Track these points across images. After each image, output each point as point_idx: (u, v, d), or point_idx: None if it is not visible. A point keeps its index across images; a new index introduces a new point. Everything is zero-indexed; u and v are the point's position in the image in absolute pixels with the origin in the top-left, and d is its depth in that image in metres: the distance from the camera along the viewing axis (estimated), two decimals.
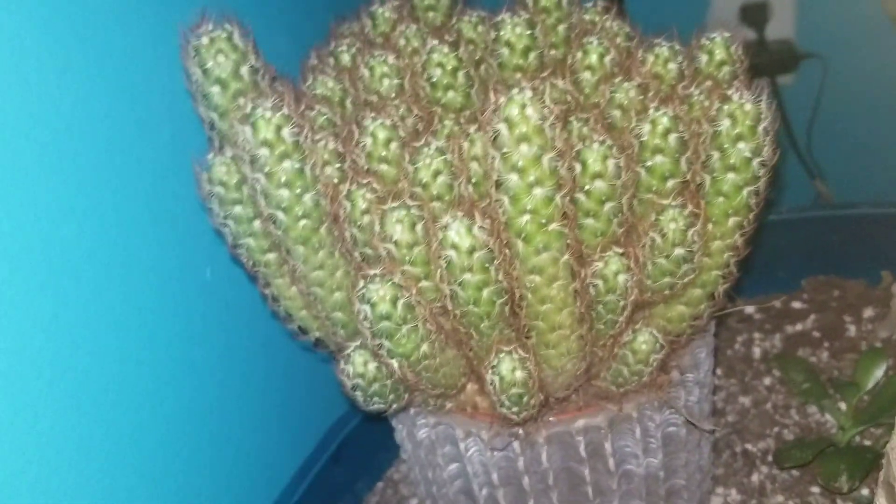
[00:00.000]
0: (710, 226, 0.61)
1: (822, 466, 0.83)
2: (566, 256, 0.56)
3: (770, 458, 0.88)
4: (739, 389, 0.96)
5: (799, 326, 1.03)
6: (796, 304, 1.06)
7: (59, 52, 0.55)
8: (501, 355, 0.58)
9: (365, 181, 0.57)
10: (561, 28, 0.64)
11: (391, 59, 0.61)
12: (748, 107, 0.57)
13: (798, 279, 1.09)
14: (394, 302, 0.54)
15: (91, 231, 0.58)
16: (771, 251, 1.09)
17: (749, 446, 0.90)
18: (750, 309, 1.06)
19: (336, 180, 0.59)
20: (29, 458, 0.54)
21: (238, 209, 0.58)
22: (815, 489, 0.85)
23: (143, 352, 0.64)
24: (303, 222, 0.56)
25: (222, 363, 0.74)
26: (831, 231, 1.08)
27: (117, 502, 0.62)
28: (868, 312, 1.02)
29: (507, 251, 0.56)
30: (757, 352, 1.01)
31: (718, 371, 0.99)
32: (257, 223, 0.59)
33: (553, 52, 0.64)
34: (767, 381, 0.97)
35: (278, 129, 0.53)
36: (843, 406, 0.90)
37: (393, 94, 0.61)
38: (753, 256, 1.15)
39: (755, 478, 0.87)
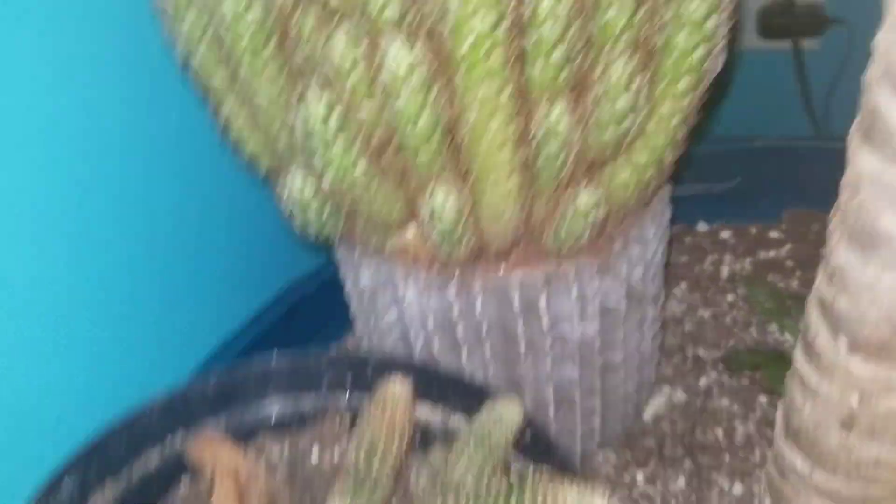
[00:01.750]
0: (662, 85, 0.62)
1: (769, 372, 0.84)
2: (509, 89, 0.56)
3: (721, 365, 0.88)
4: (701, 302, 0.96)
5: (772, 253, 1.03)
6: (773, 234, 1.06)
7: None
8: (437, 188, 0.59)
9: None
10: None
11: None
12: None
13: (779, 210, 1.08)
14: (329, 110, 0.55)
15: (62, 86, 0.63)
16: (754, 179, 1.09)
17: (701, 352, 0.90)
18: (725, 233, 1.06)
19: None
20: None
21: (190, 19, 0.59)
22: (763, 398, 0.85)
23: (116, 194, 0.70)
24: (251, 32, 0.57)
25: (192, 207, 0.77)
26: (817, 163, 1.07)
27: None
28: None
29: (451, 82, 0.56)
30: (725, 271, 1.01)
31: (683, 286, 0.99)
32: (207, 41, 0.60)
33: None
34: (731, 297, 0.97)
35: None
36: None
37: None
38: (736, 183, 1.14)
39: (703, 381, 0.87)
